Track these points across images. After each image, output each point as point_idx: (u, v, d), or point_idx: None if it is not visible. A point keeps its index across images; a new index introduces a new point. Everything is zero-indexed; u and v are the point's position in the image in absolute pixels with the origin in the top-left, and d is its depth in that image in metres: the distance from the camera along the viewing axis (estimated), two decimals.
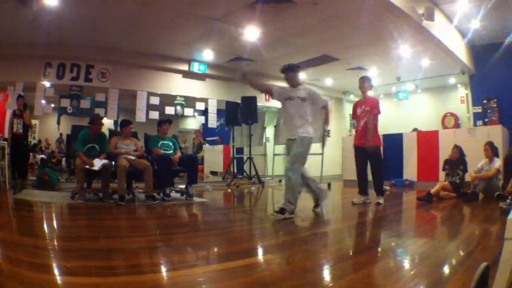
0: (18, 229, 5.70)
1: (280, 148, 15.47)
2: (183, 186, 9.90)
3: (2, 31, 11.68)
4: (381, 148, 9.12)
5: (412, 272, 3.67)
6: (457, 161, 10.32)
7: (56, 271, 3.54)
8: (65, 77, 13.73)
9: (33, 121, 18.01)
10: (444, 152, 11.40)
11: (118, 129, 10.59)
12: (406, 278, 3.48)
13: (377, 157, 8.79)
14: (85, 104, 14.10)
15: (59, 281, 3.25)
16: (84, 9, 10.84)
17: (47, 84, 13.69)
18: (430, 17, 10.84)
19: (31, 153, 16.39)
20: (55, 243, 4.85)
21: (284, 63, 15.69)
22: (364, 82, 8.97)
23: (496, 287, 2.09)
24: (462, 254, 4.37)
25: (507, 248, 2.12)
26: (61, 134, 20.73)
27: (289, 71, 7.78)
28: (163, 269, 3.84)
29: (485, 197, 9.61)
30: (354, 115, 9.40)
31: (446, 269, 3.79)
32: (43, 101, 13.84)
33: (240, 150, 17.19)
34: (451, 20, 12.77)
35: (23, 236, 5.06)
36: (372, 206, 8.44)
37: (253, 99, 14.90)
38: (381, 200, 8.63)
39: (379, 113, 8.79)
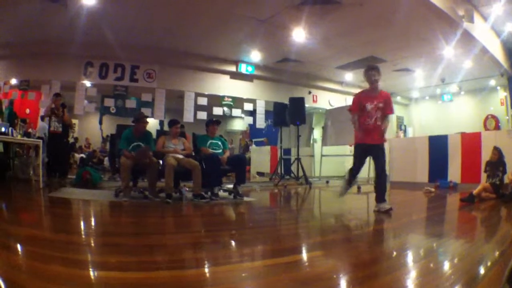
0: (56, 226, 5.62)
1: (328, 149, 15.45)
2: (230, 186, 9.90)
3: (36, 29, 11.79)
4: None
5: (451, 270, 3.70)
6: (497, 163, 10.27)
7: (96, 267, 3.53)
8: (109, 77, 13.94)
9: (73, 121, 18.17)
10: (486, 154, 11.30)
11: (166, 128, 10.67)
12: (445, 275, 3.51)
13: (384, 154, 7.77)
14: (130, 104, 14.27)
15: (101, 276, 3.26)
16: (127, 9, 10.94)
17: (87, 83, 13.80)
18: (470, 19, 10.89)
19: (72, 153, 16.46)
20: (97, 239, 4.82)
21: (331, 64, 15.89)
22: (375, 74, 7.71)
23: None
24: (497, 252, 4.39)
25: None
26: (107, 136, 20.85)
27: None
28: (207, 264, 3.82)
29: None
30: (355, 108, 7.82)
31: (482, 266, 3.81)
32: (85, 101, 13.91)
33: (287, 151, 17.20)
34: (488, 21, 12.79)
35: (61, 233, 5.02)
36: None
37: (301, 100, 14.84)
38: (387, 205, 7.43)
39: (393, 113, 7.87)
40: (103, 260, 3.75)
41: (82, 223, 6.10)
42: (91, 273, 3.33)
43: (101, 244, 4.52)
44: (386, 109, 7.66)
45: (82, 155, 19.01)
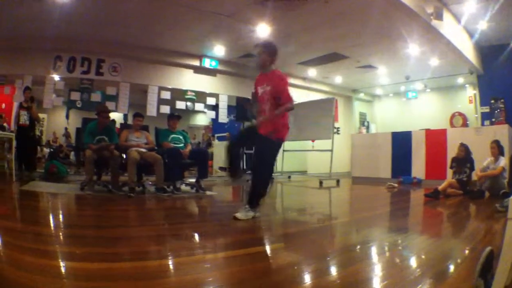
0: (25, 218, 5.72)
1: (290, 145, 15.46)
2: (193, 180, 9.95)
3: (10, 23, 11.72)
4: (278, 144, 6.27)
5: (418, 264, 3.74)
6: (464, 159, 10.39)
7: (63, 257, 3.59)
8: (76, 70, 13.80)
9: (41, 115, 18.02)
10: (452, 151, 11.41)
11: (130, 122, 10.70)
12: (412, 268, 3.58)
13: (262, 148, 6.17)
14: (95, 97, 14.13)
15: (66, 266, 3.30)
16: (95, 3, 10.85)
17: (56, 77, 13.74)
18: (439, 17, 10.85)
19: (38, 147, 16.34)
20: (63, 231, 4.94)
21: (294, 60, 15.78)
22: (263, 52, 6.40)
23: (501, 268, 2.13)
24: (467, 247, 4.39)
25: (510, 228, 2.14)
26: (66, 128, 20.65)
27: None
28: (170, 255, 3.90)
29: (491, 195, 9.55)
30: (256, 94, 6.63)
31: (452, 261, 3.84)
32: (54, 95, 13.81)
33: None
34: (459, 20, 12.78)
35: (30, 224, 5.09)
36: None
37: None
38: (243, 214, 5.86)
39: (288, 101, 6.05)
40: (70, 251, 3.81)
41: (49, 216, 6.16)
42: (60, 263, 3.37)
43: (67, 236, 4.58)
44: (275, 93, 6.15)
45: (50, 149, 18.84)
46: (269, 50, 6.39)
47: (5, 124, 12.87)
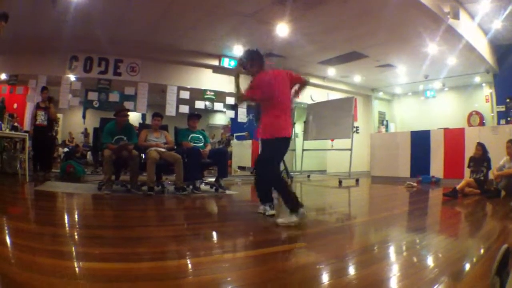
0: (41, 219, 5.64)
1: (310, 144, 15.46)
2: (212, 179, 9.96)
3: (23, 23, 11.65)
4: (273, 140, 6.01)
5: (436, 263, 3.74)
6: (481, 159, 10.38)
7: (80, 258, 3.57)
8: (93, 71, 13.80)
9: (58, 115, 18.11)
10: (470, 150, 11.41)
11: (148, 122, 10.72)
12: (430, 268, 3.57)
13: (261, 152, 6.30)
14: (113, 97, 14.16)
15: (83, 267, 3.28)
16: (111, 3, 10.85)
17: (72, 77, 13.75)
18: (456, 16, 10.85)
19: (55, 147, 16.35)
20: (80, 231, 4.88)
21: (314, 59, 15.70)
22: (250, 64, 6.77)
23: None
24: (483, 246, 4.45)
25: None
26: (86, 129, 20.70)
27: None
28: (189, 255, 3.89)
29: (507, 194, 9.52)
30: None
31: (468, 260, 3.86)
32: (70, 95, 13.81)
33: None
34: (474, 19, 12.76)
35: (45, 225, 5.05)
36: None
37: None
38: (286, 219, 5.52)
39: (250, 94, 6.58)
40: (87, 252, 3.78)
41: (66, 216, 6.10)
42: (76, 264, 3.36)
43: (84, 236, 4.55)
44: None
45: (66, 149, 18.87)
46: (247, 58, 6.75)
47: (16, 124, 12.91)
